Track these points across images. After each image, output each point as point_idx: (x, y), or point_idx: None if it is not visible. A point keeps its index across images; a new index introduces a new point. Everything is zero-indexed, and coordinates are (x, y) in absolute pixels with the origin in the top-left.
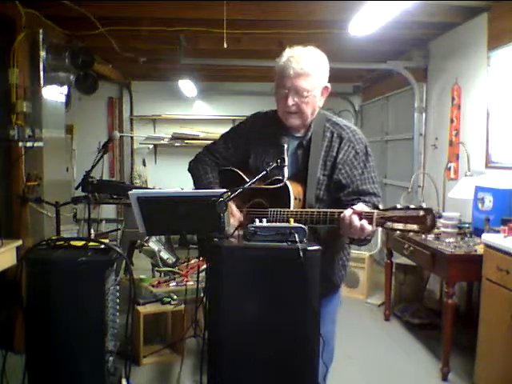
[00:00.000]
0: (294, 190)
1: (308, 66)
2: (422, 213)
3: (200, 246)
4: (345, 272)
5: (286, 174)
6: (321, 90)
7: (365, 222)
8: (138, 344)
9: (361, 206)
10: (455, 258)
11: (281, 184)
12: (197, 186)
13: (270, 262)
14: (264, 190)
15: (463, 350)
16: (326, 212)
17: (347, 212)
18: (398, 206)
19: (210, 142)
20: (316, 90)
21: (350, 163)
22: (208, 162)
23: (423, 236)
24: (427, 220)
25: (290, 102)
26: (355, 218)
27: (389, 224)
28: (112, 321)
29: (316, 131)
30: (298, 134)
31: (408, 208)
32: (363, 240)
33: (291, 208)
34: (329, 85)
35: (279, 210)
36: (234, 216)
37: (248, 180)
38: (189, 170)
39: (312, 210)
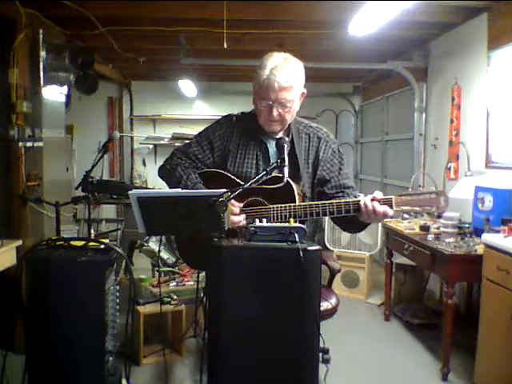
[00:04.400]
0: (295, 186)
1: (291, 78)
2: (434, 195)
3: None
4: None
5: (286, 174)
6: (299, 97)
7: (386, 207)
8: (138, 344)
9: (378, 194)
10: (455, 257)
11: (284, 181)
12: (180, 188)
13: (270, 262)
14: (261, 189)
15: (463, 350)
16: (340, 203)
17: (367, 200)
18: (412, 191)
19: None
20: (297, 98)
21: (329, 160)
22: (186, 164)
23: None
24: (441, 201)
25: (275, 113)
26: (377, 205)
27: (405, 208)
28: (112, 321)
29: (294, 133)
30: (277, 136)
31: (421, 192)
32: (365, 226)
33: (297, 203)
34: (305, 90)
35: (285, 205)
36: (234, 214)
37: (238, 180)
38: (162, 175)
39: (323, 202)
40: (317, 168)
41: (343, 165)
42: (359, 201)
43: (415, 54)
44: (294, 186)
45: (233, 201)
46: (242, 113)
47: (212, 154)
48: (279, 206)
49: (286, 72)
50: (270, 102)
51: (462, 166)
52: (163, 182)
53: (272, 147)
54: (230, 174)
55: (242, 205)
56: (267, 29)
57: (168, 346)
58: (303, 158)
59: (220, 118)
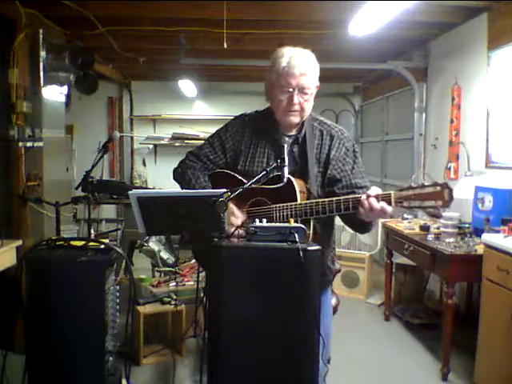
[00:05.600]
0: (298, 183)
1: (309, 66)
2: (438, 188)
3: (195, 250)
4: (333, 266)
5: (286, 174)
6: (315, 89)
7: (384, 204)
8: (138, 344)
9: (375, 190)
10: (455, 258)
11: (283, 181)
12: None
13: (270, 262)
14: (264, 189)
15: (463, 350)
16: (340, 200)
17: (364, 197)
18: (413, 185)
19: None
20: (314, 89)
21: (341, 159)
22: (197, 167)
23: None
24: (445, 194)
25: (296, 100)
26: (374, 201)
27: (406, 203)
28: (112, 321)
29: (307, 129)
30: (290, 133)
31: (424, 185)
32: (371, 224)
33: (298, 201)
34: (318, 83)
35: (285, 204)
36: (236, 216)
37: (245, 181)
38: (175, 178)
39: (323, 199)
40: (327, 167)
41: (357, 164)
42: (359, 197)
43: (415, 54)
44: (295, 184)
45: (236, 211)
46: (256, 111)
47: (224, 155)
48: (280, 205)
49: (304, 59)
50: (291, 90)
51: (462, 166)
52: (163, 182)
53: (287, 143)
54: (238, 175)
55: (244, 218)
56: (267, 29)
57: (168, 345)
58: (314, 155)
59: (233, 117)
